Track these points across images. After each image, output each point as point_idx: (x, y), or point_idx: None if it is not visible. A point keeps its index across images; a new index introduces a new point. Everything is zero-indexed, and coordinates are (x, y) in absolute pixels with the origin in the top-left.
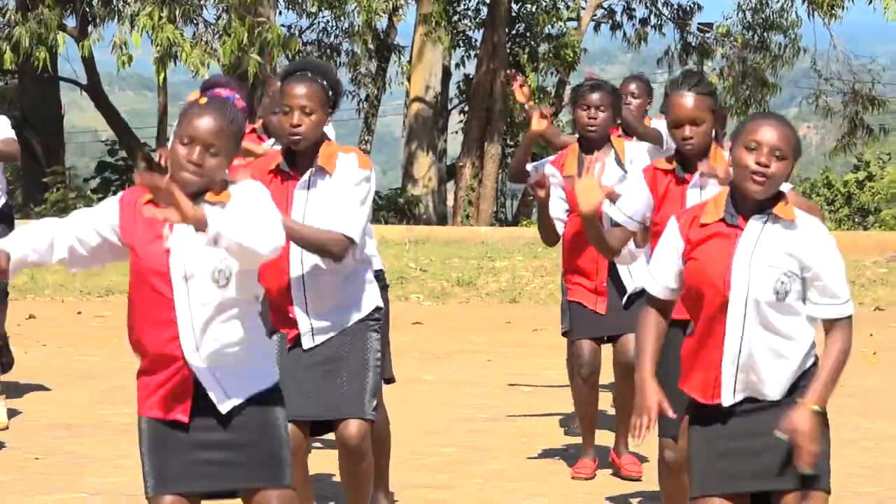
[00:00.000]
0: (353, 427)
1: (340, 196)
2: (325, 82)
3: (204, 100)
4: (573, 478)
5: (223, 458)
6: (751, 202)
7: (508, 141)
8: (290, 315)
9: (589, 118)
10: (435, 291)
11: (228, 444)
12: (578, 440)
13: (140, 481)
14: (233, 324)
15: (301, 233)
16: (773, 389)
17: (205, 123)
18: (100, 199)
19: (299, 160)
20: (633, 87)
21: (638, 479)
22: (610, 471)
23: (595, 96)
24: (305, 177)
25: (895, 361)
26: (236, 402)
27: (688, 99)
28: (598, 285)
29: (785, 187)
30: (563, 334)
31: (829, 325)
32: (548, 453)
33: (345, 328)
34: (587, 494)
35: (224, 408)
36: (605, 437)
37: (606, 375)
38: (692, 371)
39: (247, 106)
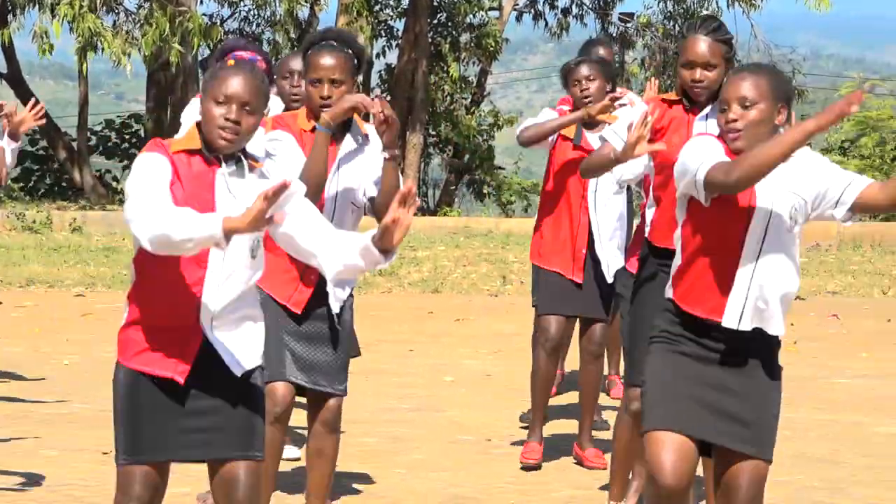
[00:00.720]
0: (335, 402)
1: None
2: (350, 51)
3: (232, 62)
4: (521, 462)
5: (201, 426)
6: None
7: (430, 130)
8: (303, 282)
9: (582, 90)
10: (357, 281)
11: (209, 411)
12: (505, 431)
13: (59, 473)
14: (247, 296)
15: None
16: (777, 322)
17: (240, 81)
18: (21, 189)
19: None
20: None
21: (603, 469)
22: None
23: (583, 69)
24: (352, 143)
25: (815, 350)
26: (245, 369)
27: (703, 42)
28: (576, 253)
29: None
30: (534, 306)
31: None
32: (471, 443)
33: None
34: (509, 484)
35: (238, 371)
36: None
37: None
38: (696, 288)
39: (270, 71)
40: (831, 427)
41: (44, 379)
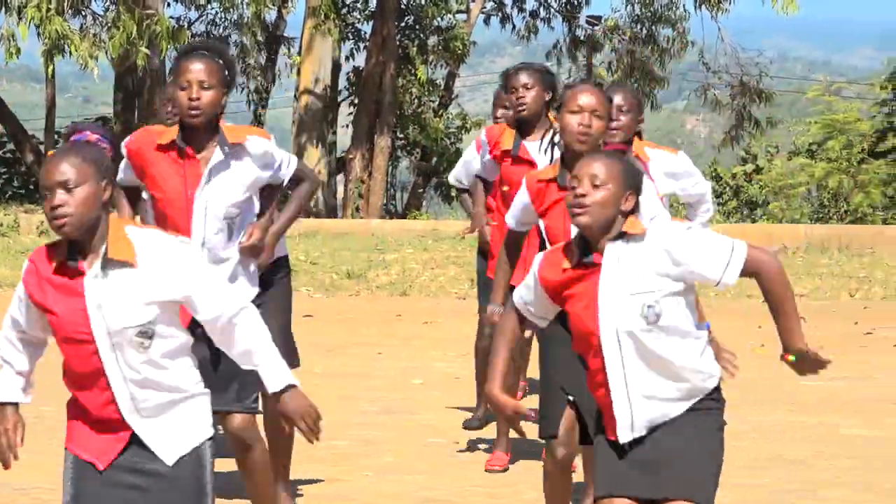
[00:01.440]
0: (240, 421)
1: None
2: (221, 60)
3: (52, 152)
4: (487, 470)
5: (147, 485)
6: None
7: (398, 133)
8: None
9: (518, 98)
10: (325, 284)
11: (146, 488)
12: (474, 434)
13: (27, 476)
14: (168, 374)
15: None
16: (675, 407)
17: (53, 167)
18: None
19: (197, 137)
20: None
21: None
22: (511, 465)
23: (520, 77)
24: (220, 155)
25: None
26: (180, 453)
27: (591, 92)
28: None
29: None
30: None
31: (749, 274)
32: (442, 446)
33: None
34: (480, 487)
35: (169, 460)
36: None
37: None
38: (600, 406)
39: (108, 138)
40: (807, 429)
41: None
